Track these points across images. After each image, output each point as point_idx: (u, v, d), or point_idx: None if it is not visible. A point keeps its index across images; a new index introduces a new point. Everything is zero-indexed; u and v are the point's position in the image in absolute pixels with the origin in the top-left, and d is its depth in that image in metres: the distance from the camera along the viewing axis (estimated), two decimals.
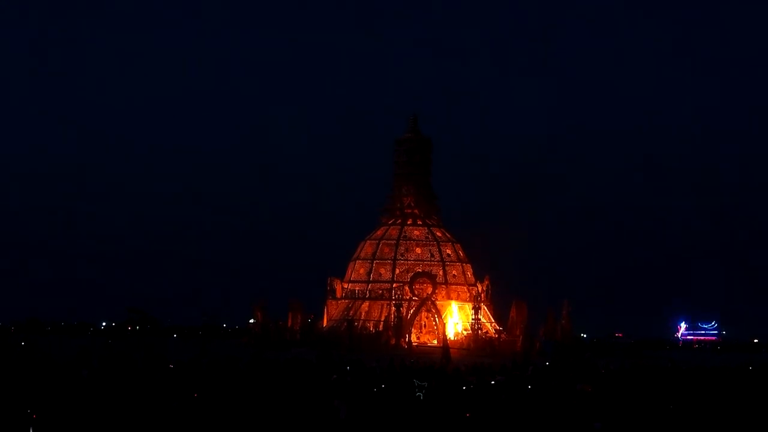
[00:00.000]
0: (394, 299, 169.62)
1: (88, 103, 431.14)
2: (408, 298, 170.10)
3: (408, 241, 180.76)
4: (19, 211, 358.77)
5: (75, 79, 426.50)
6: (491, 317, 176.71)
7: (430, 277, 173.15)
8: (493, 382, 70.08)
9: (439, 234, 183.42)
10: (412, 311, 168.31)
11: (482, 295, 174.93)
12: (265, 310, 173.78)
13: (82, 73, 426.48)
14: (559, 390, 66.34)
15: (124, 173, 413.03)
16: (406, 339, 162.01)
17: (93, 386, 57.08)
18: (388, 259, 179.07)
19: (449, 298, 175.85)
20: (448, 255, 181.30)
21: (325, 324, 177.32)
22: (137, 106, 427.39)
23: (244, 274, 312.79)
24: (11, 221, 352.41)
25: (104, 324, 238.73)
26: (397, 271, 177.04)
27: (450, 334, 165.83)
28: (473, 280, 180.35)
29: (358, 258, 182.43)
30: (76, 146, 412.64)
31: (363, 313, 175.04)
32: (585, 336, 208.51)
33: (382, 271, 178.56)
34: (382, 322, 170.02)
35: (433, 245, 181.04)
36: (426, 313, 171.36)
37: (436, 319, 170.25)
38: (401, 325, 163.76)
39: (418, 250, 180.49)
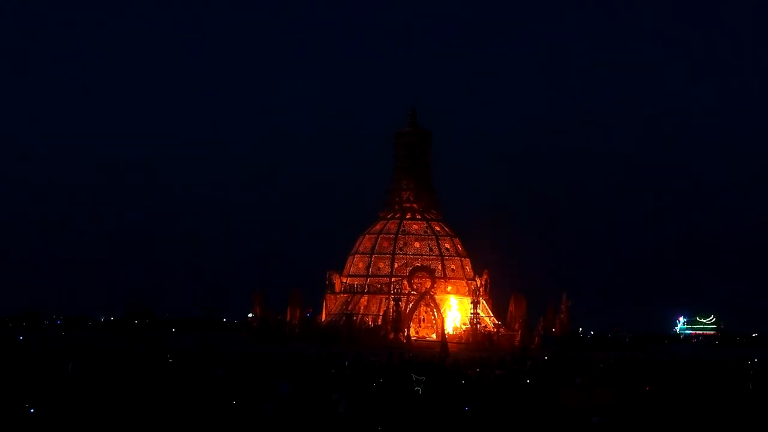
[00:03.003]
0: (393, 293, 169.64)
1: (85, 95, 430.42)
2: (407, 292, 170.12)
3: (407, 236, 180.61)
4: (16, 205, 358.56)
5: (81, 77, 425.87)
6: (490, 311, 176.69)
7: (429, 272, 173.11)
8: (492, 376, 70.08)
9: (437, 228, 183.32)
10: (410, 305, 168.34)
11: (481, 289, 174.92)
12: (264, 303, 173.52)
13: (86, 69, 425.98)
14: (557, 384, 66.30)
15: (122, 166, 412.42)
16: (405, 333, 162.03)
17: (90, 381, 57.02)
18: (386, 253, 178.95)
19: (448, 292, 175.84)
20: (447, 249, 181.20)
21: (323, 318, 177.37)
22: (135, 99, 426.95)
23: (243, 268, 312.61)
24: (8, 215, 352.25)
25: (103, 318, 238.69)
26: (396, 265, 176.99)
27: (449, 328, 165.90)
28: (472, 274, 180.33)
29: (356, 252, 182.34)
30: (73, 138, 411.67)
31: (362, 308, 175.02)
32: (581, 330, 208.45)
33: (381, 265, 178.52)
34: (380, 317, 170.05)
35: (431, 239, 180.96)
36: (425, 308, 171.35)
37: (435, 313, 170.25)
38: (400, 320, 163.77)
39: (417, 245, 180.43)
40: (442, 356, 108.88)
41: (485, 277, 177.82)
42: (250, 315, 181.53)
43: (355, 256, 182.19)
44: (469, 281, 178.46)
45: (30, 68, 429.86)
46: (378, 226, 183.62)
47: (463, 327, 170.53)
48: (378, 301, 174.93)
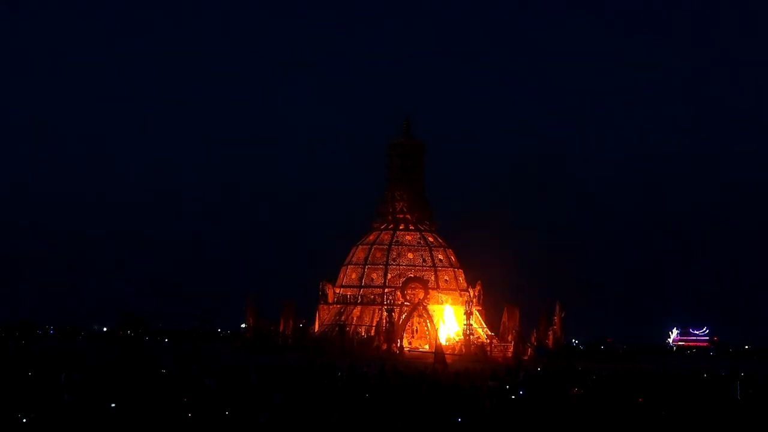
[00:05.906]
0: (386, 304, 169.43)
1: (79, 107, 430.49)
2: (400, 303, 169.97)
3: (400, 246, 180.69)
4: (9, 212, 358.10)
5: (72, 82, 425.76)
6: (483, 323, 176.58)
7: (422, 282, 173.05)
8: (485, 388, 69.98)
9: (431, 239, 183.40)
10: (403, 316, 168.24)
11: (474, 300, 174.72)
12: (257, 314, 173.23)
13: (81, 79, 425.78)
14: (550, 396, 66.28)
15: (115, 177, 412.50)
16: (398, 344, 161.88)
17: (83, 390, 56.85)
18: (380, 264, 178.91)
19: (441, 303, 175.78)
20: (440, 260, 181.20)
21: (316, 329, 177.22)
22: (129, 112, 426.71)
23: (236, 278, 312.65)
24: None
25: (96, 328, 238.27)
26: (389, 276, 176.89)
27: (442, 339, 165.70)
28: (465, 285, 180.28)
29: (350, 263, 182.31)
30: (65, 149, 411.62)
31: (354, 318, 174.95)
32: (576, 341, 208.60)
33: (374, 276, 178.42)
34: (373, 327, 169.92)
35: (425, 250, 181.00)
36: (418, 318, 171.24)
37: (428, 324, 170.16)
38: (393, 330, 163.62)
39: (410, 255, 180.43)
40: (438, 368, 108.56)
41: (478, 288, 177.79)
42: (243, 325, 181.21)
43: (348, 266, 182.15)
44: (463, 292, 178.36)
45: (27, 65, 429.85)
46: (371, 237, 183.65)
47: (457, 338, 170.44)
48: (371, 311, 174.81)
